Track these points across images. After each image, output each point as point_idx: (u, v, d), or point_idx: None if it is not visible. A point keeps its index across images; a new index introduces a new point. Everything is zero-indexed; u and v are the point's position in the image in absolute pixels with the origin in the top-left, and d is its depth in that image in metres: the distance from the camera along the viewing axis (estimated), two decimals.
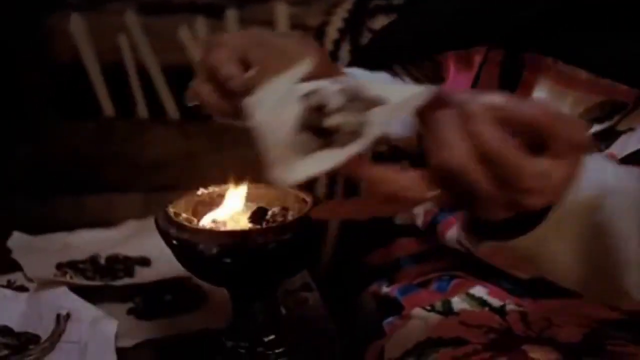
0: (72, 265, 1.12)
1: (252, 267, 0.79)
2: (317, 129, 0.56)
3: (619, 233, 0.60)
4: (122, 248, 1.19)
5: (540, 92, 0.83)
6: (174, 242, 0.79)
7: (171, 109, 1.79)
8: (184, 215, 0.83)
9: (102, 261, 1.16)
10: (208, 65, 0.76)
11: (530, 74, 0.84)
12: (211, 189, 0.87)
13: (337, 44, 1.48)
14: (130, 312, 1.04)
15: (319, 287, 1.12)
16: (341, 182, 1.51)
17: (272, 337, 0.89)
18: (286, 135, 0.57)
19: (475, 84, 0.90)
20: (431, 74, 1.01)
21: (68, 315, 0.97)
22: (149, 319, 1.03)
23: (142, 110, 1.79)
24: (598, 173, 0.58)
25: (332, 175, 1.50)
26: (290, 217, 0.82)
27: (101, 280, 1.10)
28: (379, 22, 1.37)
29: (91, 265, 1.13)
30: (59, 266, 1.12)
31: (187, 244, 0.78)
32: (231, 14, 1.78)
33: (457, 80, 0.93)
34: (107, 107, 1.76)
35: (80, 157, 1.71)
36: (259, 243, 0.76)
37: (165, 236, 0.80)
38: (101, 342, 0.94)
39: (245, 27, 1.66)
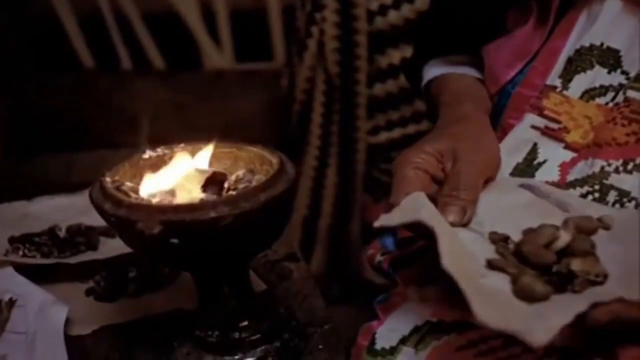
0: (27, 239, 0.97)
1: (207, 248, 0.63)
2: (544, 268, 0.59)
3: None
4: (87, 217, 1.02)
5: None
6: (112, 219, 0.63)
7: (156, 59, 1.65)
8: (128, 184, 0.68)
9: (62, 233, 1.00)
10: None
11: None
12: (161, 150, 0.71)
13: None
14: (89, 293, 0.90)
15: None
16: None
17: (245, 322, 0.75)
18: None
19: None
20: None
21: (13, 302, 0.82)
22: (110, 301, 0.89)
23: (126, 62, 1.65)
24: None
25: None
26: (255, 184, 0.66)
27: (58, 257, 0.95)
28: None
29: (49, 239, 0.98)
30: (12, 240, 0.97)
31: (125, 222, 0.62)
32: None
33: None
34: (86, 59, 1.63)
35: (61, 111, 1.59)
36: (211, 218, 0.60)
37: (101, 213, 0.64)
38: (51, 331, 0.80)
39: None
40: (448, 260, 0.58)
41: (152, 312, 0.86)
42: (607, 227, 0.66)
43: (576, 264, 0.58)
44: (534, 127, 0.79)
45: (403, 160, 0.72)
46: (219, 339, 0.75)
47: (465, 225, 0.68)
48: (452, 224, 0.66)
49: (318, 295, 0.89)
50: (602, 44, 0.77)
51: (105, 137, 1.60)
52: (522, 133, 0.79)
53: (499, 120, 0.83)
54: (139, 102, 1.64)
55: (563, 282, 0.59)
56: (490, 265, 0.62)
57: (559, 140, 0.78)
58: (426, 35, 1.02)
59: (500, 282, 0.60)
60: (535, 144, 0.79)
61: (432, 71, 0.94)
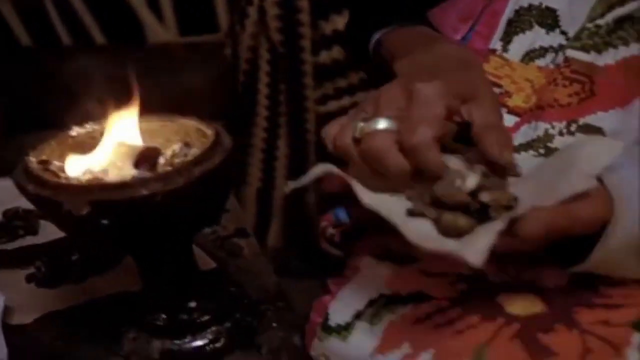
0: None
1: (141, 227, 0.59)
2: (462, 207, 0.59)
3: None
4: (25, 200, 0.96)
5: None
6: (36, 201, 0.58)
7: (97, 36, 1.59)
8: (56, 163, 0.63)
9: None
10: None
11: None
12: (90, 126, 0.66)
13: None
14: (29, 279, 0.84)
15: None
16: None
17: (193, 303, 0.70)
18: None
19: None
20: None
21: None
22: (53, 287, 0.84)
23: (65, 39, 1.58)
24: None
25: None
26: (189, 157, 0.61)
27: None
28: None
29: None
30: None
31: (51, 203, 0.57)
32: None
33: None
34: (23, 36, 1.54)
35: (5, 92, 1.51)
36: (143, 196, 0.55)
37: (25, 194, 0.59)
38: None
39: None
40: (369, 199, 0.58)
41: (97, 297, 0.81)
42: (517, 175, 0.65)
43: (485, 196, 0.59)
44: None
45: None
46: (166, 322, 0.71)
47: None
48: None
49: (270, 271, 0.86)
50: (540, 4, 0.74)
51: (54, 118, 1.53)
52: None
53: None
54: (84, 79, 1.57)
55: (481, 216, 0.59)
56: (411, 213, 0.61)
57: (502, 105, 0.74)
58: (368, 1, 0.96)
59: (425, 225, 0.60)
60: None
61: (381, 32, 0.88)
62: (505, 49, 0.75)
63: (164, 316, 0.71)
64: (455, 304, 0.61)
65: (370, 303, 0.64)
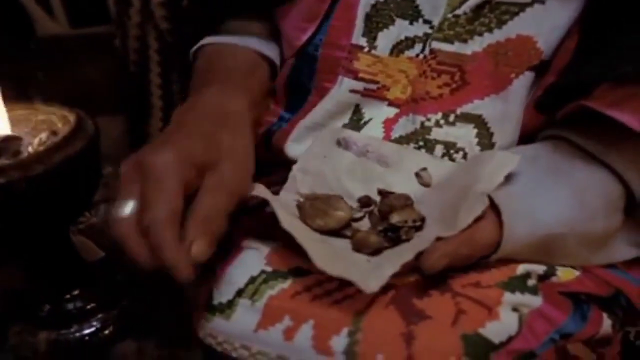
0: None
1: (8, 218, 0.56)
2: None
3: None
4: None
5: None
6: None
7: None
8: None
9: None
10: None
11: None
12: None
13: None
14: None
15: None
16: None
17: (76, 292, 0.68)
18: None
19: None
20: None
21: None
22: None
23: None
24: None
25: None
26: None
27: None
28: None
29: None
30: None
31: None
32: None
33: None
34: None
35: None
36: (2, 185, 0.53)
37: None
38: None
39: None
40: (287, 223, 0.59)
41: None
42: (427, 184, 0.69)
43: (394, 217, 0.63)
44: (352, 91, 0.74)
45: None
46: (50, 312, 0.68)
47: None
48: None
49: None
50: None
51: None
52: (342, 97, 0.75)
53: (310, 83, 0.77)
54: None
55: (394, 237, 0.63)
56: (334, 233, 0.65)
57: (382, 98, 0.74)
58: None
59: (340, 242, 0.64)
60: (357, 105, 0.75)
61: (207, 39, 0.82)
62: (372, 46, 0.73)
63: (48, 307, 0.68)
64: (333, 277, 0.60)
65: (252, 280, 0.63)
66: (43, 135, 0.60)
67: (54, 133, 0.61)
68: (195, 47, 0.81)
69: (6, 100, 0.61)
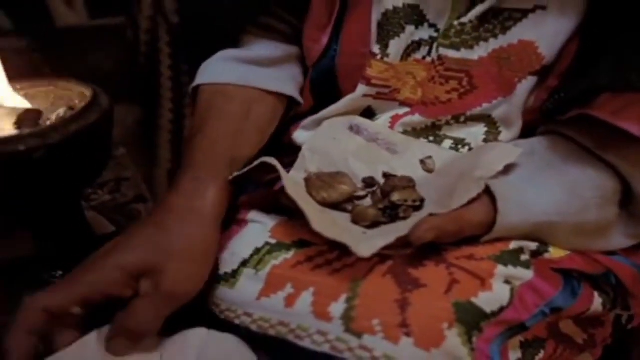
0: None
1: (22, 185, 0.58)
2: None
3: None
4: None
5: None
6: None
7: (3, 21, 1.54)
8: None
9: None
10: None
11: None
12: None
13: None
14: None
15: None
16: None
17: None
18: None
19: None
20: None
21: None
22: None
23: None
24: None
25: None
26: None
27: None
28: None
29: None
30: None
31: None
32: None
33: None
34: None
35: None
36: (21, 151, 0.55)
37: None
38: None
39: None
40: (292, 190, 0.61)
41: None
42: (430, 170, 0.72)
43: (394, 195, 0.65)
44: (366, 95, 0.76)
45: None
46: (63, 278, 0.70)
47: None
48: None
49: None
50: (404, 5, 0.72)
51: None
52: (356, 101, 0.77)
53: (334, 92, 0.80)
54: None
55: (392, 214, 0.65)
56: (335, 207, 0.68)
57: (394, 100, 0.76)
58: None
59: (340, 215, 0.66)
60: (369, 106, 0.78)
61: (210, 70, 0.82)
62: (384, 54, 0.74)
63: (60, 272, 0.70)
64: (334, 248, 0.62)
65: (256, 251, 0.65)
66: (61, 110, 0.62)
67: (71, 108, 0.63)
68: (194, 84, 0.81)
69: (26, 77, 0.63)
